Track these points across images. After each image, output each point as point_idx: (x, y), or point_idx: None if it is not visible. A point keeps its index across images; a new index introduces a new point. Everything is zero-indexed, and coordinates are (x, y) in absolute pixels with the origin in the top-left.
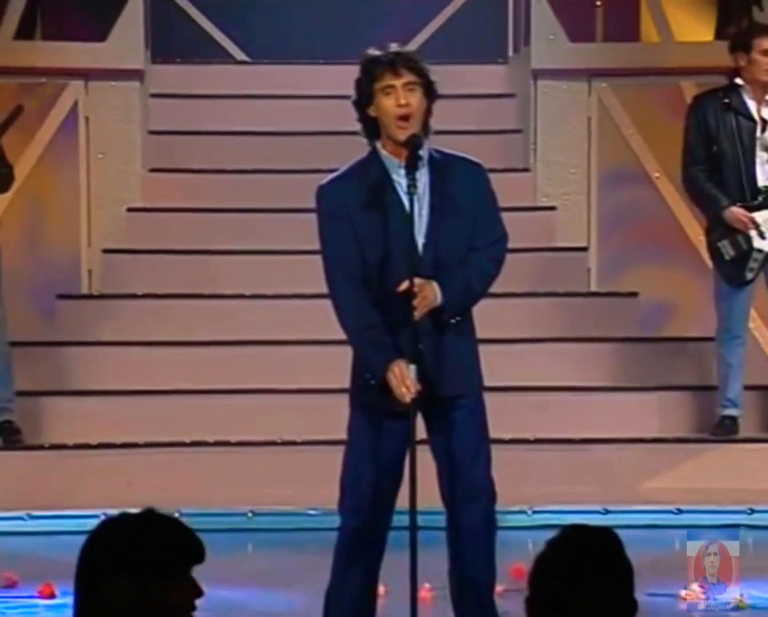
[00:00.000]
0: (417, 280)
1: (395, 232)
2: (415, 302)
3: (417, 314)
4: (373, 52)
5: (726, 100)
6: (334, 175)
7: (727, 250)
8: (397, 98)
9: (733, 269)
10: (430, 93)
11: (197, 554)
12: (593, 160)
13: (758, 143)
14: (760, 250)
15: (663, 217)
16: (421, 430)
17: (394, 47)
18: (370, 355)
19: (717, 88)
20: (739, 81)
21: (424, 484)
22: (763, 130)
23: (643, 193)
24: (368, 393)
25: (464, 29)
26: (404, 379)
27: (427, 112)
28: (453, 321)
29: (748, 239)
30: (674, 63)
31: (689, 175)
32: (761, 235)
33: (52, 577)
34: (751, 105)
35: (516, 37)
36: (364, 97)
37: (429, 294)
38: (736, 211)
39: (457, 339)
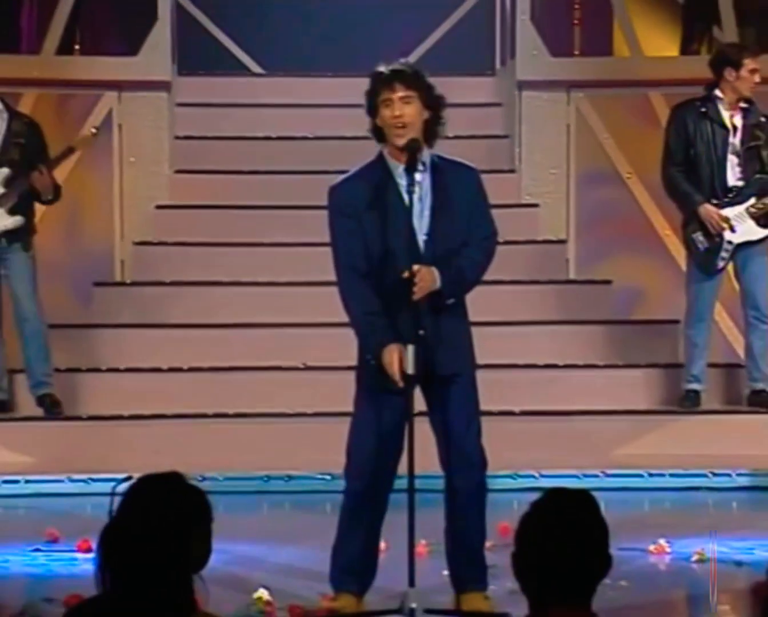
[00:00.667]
0: (416, 267)
1: (397, 228)
2: (415, 287)
3: (416, 295)
4: (379, 68)
5: (703, 109)
6: (344, 176)
7: (701, 241)
8: (393, 110)
9: (705, 259)
10: (432, 103)
11: (210, 515)
12: (572, 163)
13: (730, 148)
14: (730, 242)
15: (634, 213)
16: (419, 404)
17: (398, 63)
18: (369, 338)
19: (695, 98)
20: (717, 93)
21: (422, 453)
22: (734, 136)
23: (616, 191)
24: (371, 373)
25: (456, 45)
26: (395, 365)
27: (430, 121)
28: (448, 302)
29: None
30: (643, 75)
31: (668, 175)
32: (732, 229)
33: (90, 533)
34: (725, 114)
35: (503, 52)
36: (371, 109)
37: (427, 277)
38: (708, 209)
39: (453, 326)
